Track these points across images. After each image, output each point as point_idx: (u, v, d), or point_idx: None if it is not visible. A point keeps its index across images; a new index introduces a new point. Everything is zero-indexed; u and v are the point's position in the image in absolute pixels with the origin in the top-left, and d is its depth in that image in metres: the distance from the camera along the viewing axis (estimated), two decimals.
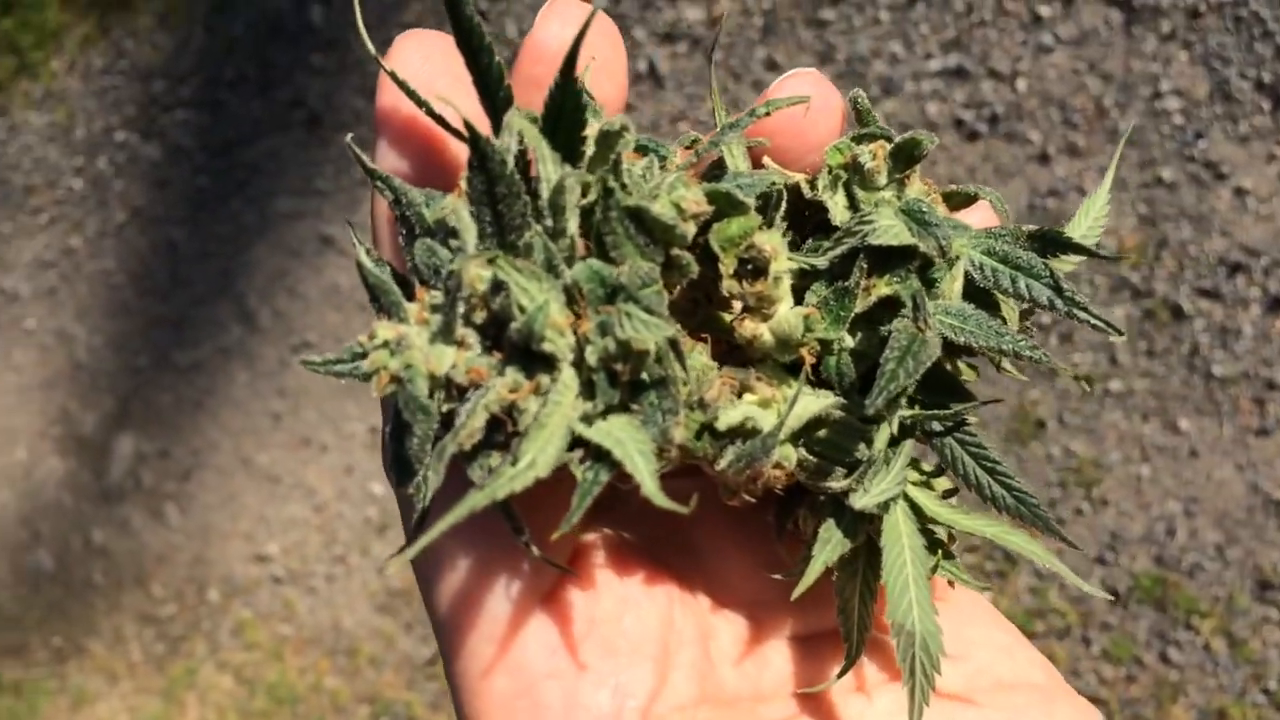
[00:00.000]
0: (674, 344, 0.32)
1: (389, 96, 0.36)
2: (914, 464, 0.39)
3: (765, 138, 0.38)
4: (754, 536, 0.40)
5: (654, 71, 2.15)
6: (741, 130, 0.36)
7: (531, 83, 0.36)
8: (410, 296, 0.34)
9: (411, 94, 0.33)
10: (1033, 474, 1.81)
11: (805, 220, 0.39)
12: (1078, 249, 0.37)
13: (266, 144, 2.56)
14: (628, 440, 0.31)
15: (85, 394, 2.81)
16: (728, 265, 0.34)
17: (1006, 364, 0.39)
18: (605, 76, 0.36)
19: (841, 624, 0.37)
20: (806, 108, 0.37)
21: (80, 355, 2.82)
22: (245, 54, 2.64)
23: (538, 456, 0.30)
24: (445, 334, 0.32)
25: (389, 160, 0.36)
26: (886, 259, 0.36)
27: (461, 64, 0.34)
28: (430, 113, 0.33)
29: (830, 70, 2.01)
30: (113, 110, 2.81)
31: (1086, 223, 0.41)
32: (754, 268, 0.35)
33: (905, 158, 0.37)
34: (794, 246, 0.38)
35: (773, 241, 0.34)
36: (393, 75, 0.34)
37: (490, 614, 0.34)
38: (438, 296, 0.33)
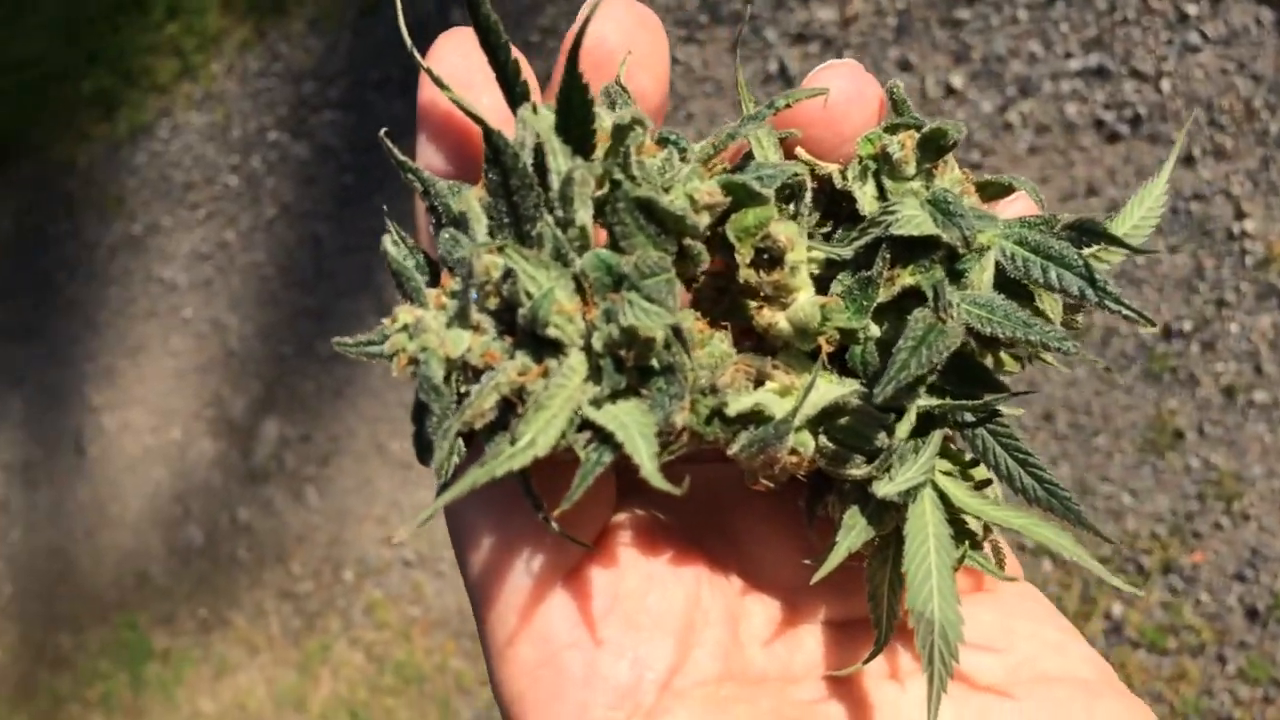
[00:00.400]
0: (678, 332, 0.32)
1: (428, 93, 0.36)
2: (951, 454, 0.39)
3: (798, 129, 0.38)
4: (791, 522, 0.40)
5: (784, 72, 2.15)
6: (761, 121, 0.36)
7: None
8: (438, 283, 0.35)
9: (446, 90, 0.35)
10: (1170, 486, 1.76)
11: (840, 211, 0.39)
12: (1111, 239, 0.36)
13: (408, 143, 2.63)
14: (631, 423, 0.32)
15: (236, 379, 2.94)
16: (744, 255, 0.35)
17: (1047, 354, 0.38)
18: (643, 70, 0.37)
19: (871, 610, 0.38)
20: (825, 100, 0.37)
21: (232, 343, 2.96)
22: (390, 56, 2.73)
23: (538, 436, 0.31)
24: (461, 319, 0.34)
25: (427, 154, 0.38)
26: (910, 249, 0.36)
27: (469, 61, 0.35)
28: (464, 109, 0.34)
29: (965, 70, 1.98)
30: (266, 111, 2.94)
31: (1139, 213, 0.40)
32: (770, 257, 0.35)
33: (933, 148, 0.37)
34: (826, 237, 0.39)
35: (789, 231, 0.35)
36: (429, 72, 0.35)
37: (514, 585, 0.36)
38: (457, 283, 0.34)
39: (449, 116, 0.36)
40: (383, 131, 0.38)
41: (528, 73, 0.36)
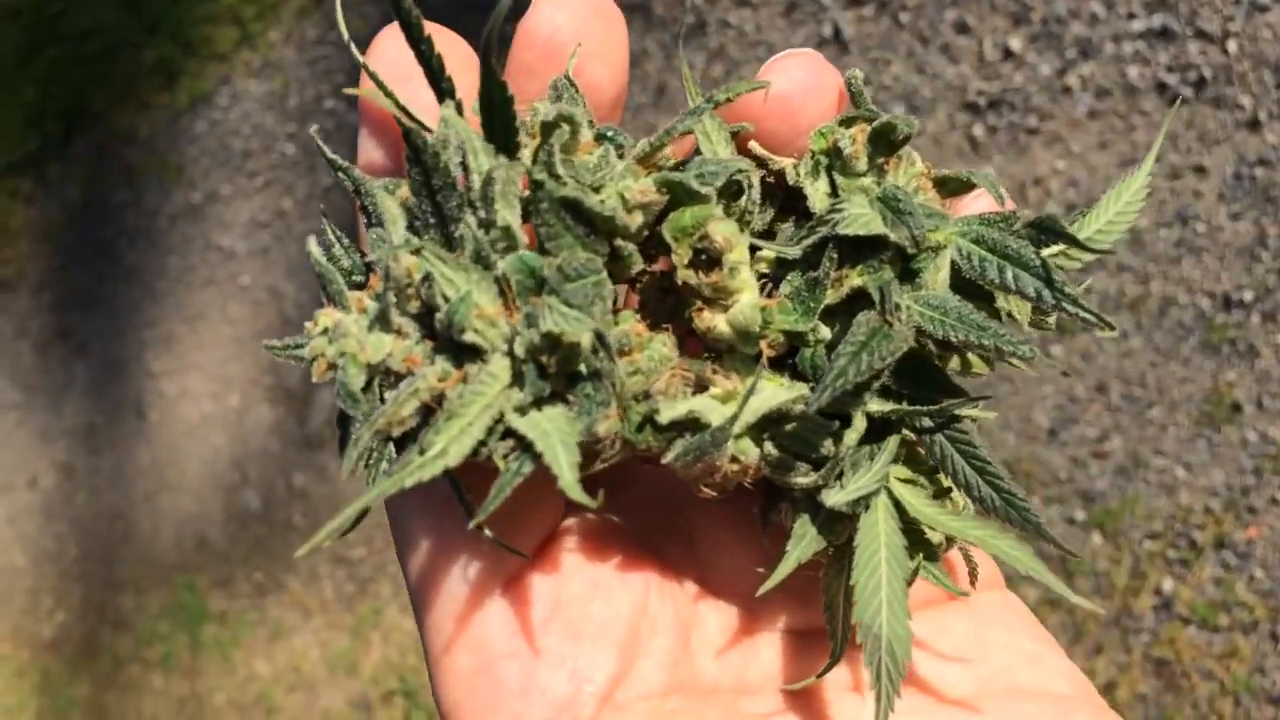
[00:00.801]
0: (601, 338, 0.31)
1: (369, 89, 0.35)
2: (915, 459, 0.37)
3: (752, 122, 0.36)
4: (751, 526, 0.39)
5: (839, 35, 2.11)
6: (702, 115, 0.35)
7: (524, 70, 0.35)
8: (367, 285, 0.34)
9: (381, 86, 0.34)
10: (1225, 460, 1.71)
11: (798, 206, 0.37)
12: (1070, 240, 0.34)
13: None
14: (553, 432, 0.31)
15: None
16: (681, 255, 0.34)
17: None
18: (598, 61, 0.35)
19: (827, 621, 0.36)
20: (771, 92, 0.35)
21: (289, 311, 2.99)
22: (445, 23, 2.73)
23: (449, 446, 0.30)
24: (383, 322, 0.33)
25: (368, 149, 0.36)
26: (859, 249, 0.34)
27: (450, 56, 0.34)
28: (389, 104, 0.33)
29: (1024, 32, 1.93)
30: (323, 79, 2.97)
31: (1115, 208, 0.38)
32: (708, 258, 0.34)
33: (885, 143, 0.36)
34: (775, 234, 0.37)
35: (727, 231, 0.34)
36: (365, 67, 0.34)
37: (451, 592, 0.35)
38: (380, 286, 0.33)
39: (386, 111, 0.35)
40: (314, 129, 0.37)
41: (467, 66, 0.34)
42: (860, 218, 0.34)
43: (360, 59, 0.35)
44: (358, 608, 2.72)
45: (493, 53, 0.32)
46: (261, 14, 3.12)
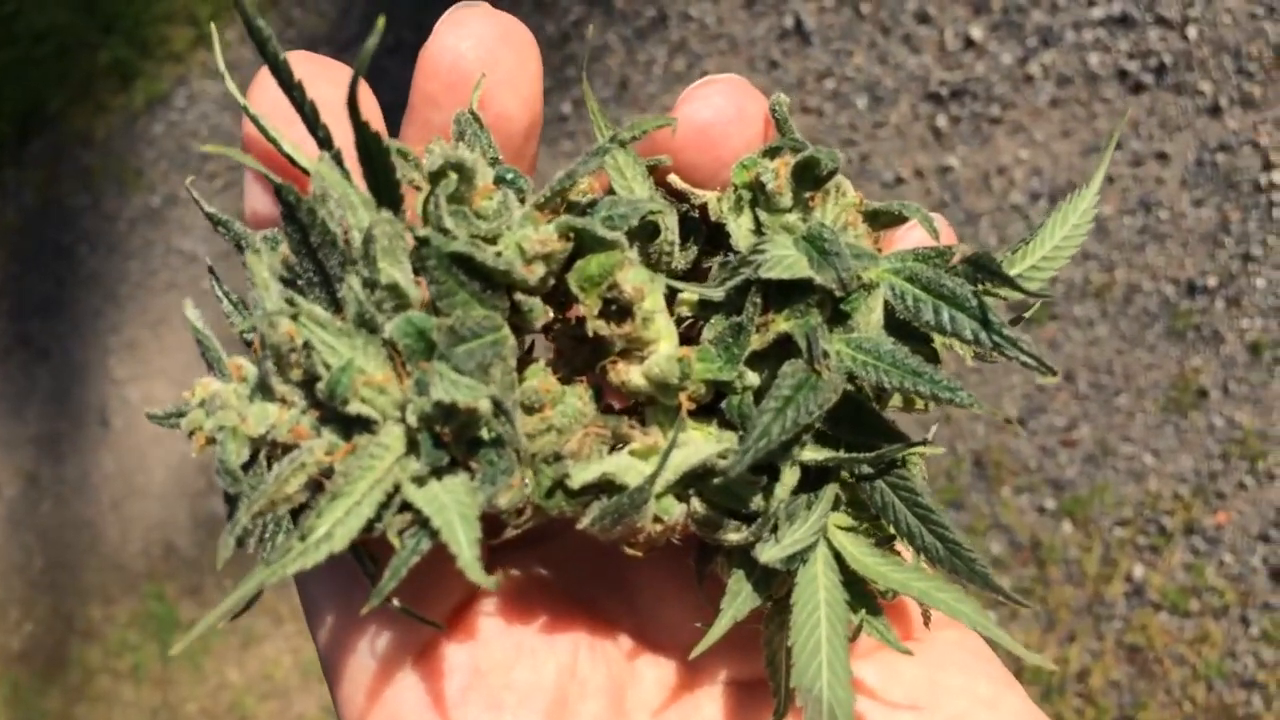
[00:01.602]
0: (498, 404, 0.29)
1: (250, 129, 0.33)
2: (859, 505, 0.35)
3: (669, 154, 0.34)
4: (691, 577, 0.37)
5: (800, 27, 2.11)
6: (602, 159, 0.33)
7: (428, 101, 0.33)
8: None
9: (263, 130, 0.31)
10: (1193, 446, 1.72)
11: (725, 241, 0.35)
12: (1006, 281, 0.32)
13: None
14: (451, 505, 0.29)
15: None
16: (590, 306, 0.32)
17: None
18: (507, 91, 0.33)
19: (770, 677, 0.34)
20: (674, 131, 0.33)
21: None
22: (403, 20, 2.70)
23: (335, 529, 0.28)
24: (264, 391, 0.30)
25: (254, 197, 0.34)
26: (785, 292, 0.32)
27: (331, 92, 0.31)
28: (273, 150, 0.31)
29: (985, 21, 1.93)
30: None
31: (1060, 233, 0.36)
32: (619, 308, 0.32)
33: (810, 178, 0.33)
34: (700, 272, 0.35)
35: (637, 280, 0.32)
36: (246, 110, 0.32)
37: (361, 665, 0.33)
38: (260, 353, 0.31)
39: (271, 155, 0.32)
40: (189, 181, 0.35)
41: (371, 111, 0.32)
42: (784, 260, 0.32)
43: (241, 100, 0.32)
44: None
45: (357, 98, 0.29)
46: (217, 13, 3.08)
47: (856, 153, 2.03)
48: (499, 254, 0.30)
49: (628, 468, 0.32)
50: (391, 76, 2.74)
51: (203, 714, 2.89)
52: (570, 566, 0.38)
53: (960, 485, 1.86)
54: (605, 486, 0.32)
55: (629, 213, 0.32)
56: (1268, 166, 1.70)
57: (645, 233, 0.33)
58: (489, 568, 0.35)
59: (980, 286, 0.33)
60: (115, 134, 3.33)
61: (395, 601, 0.31)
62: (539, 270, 0.31)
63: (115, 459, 3.23)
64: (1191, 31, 1.76)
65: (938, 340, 0.34)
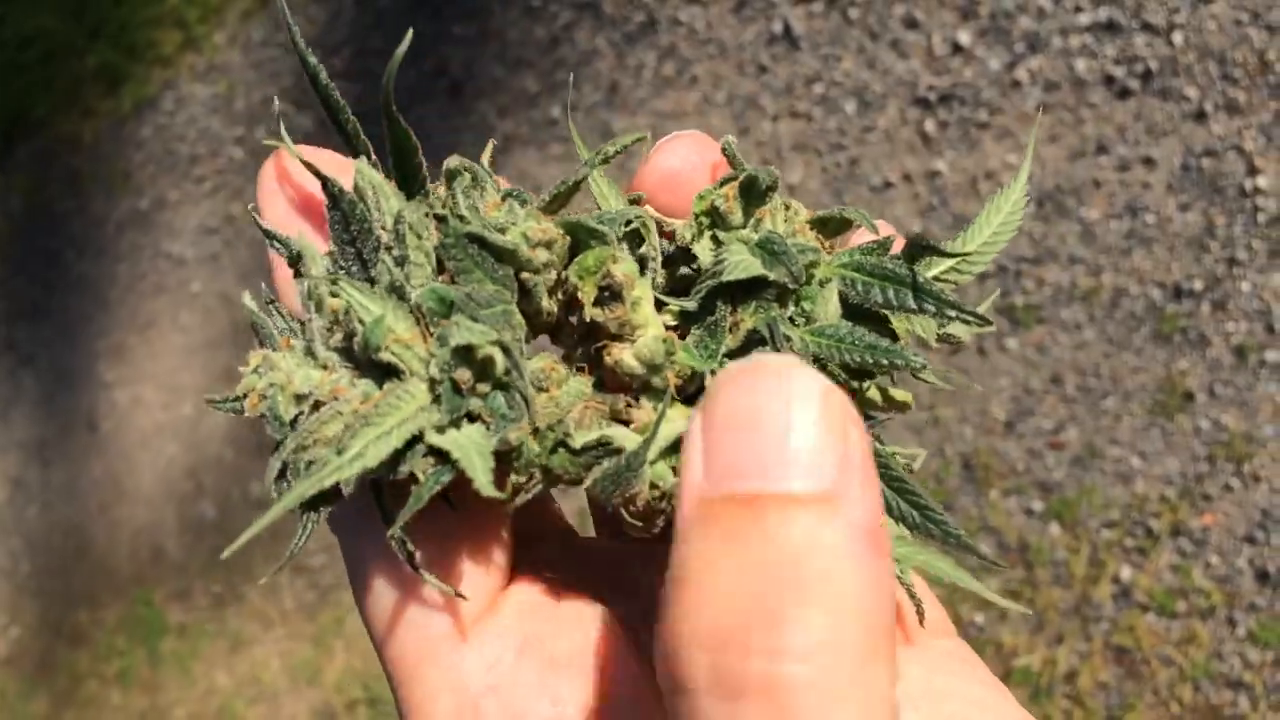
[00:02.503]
0: (505, 348, 0.33)
1: (293, 177, 0.38)
2: None
3: (646, 194, 0.40)
4: None
5: (789, 32, 2.12)
6: (592, 168, 0.38)
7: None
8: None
9: (288, 147, 0.37)
10: (1179, 448, 1.73)
11: (692, 265, 0.40)
12: (938, 251, 0.37)
13: (412, 112, 2.63)
14: (469, 445, 0.32)
15: (245, 353, 2.93)
16: (587, 294, 0.36)
17: (926, 375, 0.39)
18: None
19: None
20: (647, 143, 0.40)
21: (240, 316, 2.96)
22: (392, 24, 2.71)
23: (367, 448, 0.31)
24: (309, 357, 0.35)
25: (271, 209, 0.39)
26: (748, 292, 0.37)
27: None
28: (303, 160, 0.36)
29: (973, 26, 1.94)
30: (270, 81, 2.93)
31: (996, 221, 0.41)
32: (611, 293, 0.36)
33: (754, 194, 0.38)
34: (678, 293, 0.40)
35: (627, 269, 0.36)
36: (281, 138, 0.37)
37: (416, 635, 0.35)
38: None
39: (303, 185, 0.38)
40: (250, 206, 0.39)
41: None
42: (741, 263, 0.36)
43: (286, 142, 0.37)
44: (319, 616, 2.70)
45: (392, 102, 0.34)
46: (205, 16, 3.07)
47: (845, 157, 2.04)
48: (505, 237, 0.35)
49: (624, 436, 0.35)
50: (379, 80, 2.74)
51: (191, 718, 2.88)
52: (585, 575, 0.40)
53: (949, 488, 1.87)
54: (602, 449, 0.35)
55: (616, 218, 0.37)
56: (1252, 171, 1.71)
57: (632, 239, 0.38)
58: (514, 577, 0.38)
59: (922, 263, 0.38)
60: (103, 138, 3.32)
61: (429, 578, 0.34)
62: (542, 255, 0.35)
63: (103, 463, 3.22)
64: (1177, 38, 1.78)
65: (897, 324, 0.38)
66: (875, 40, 2.03)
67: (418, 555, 0.34)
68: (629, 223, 0.37)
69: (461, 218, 0.35)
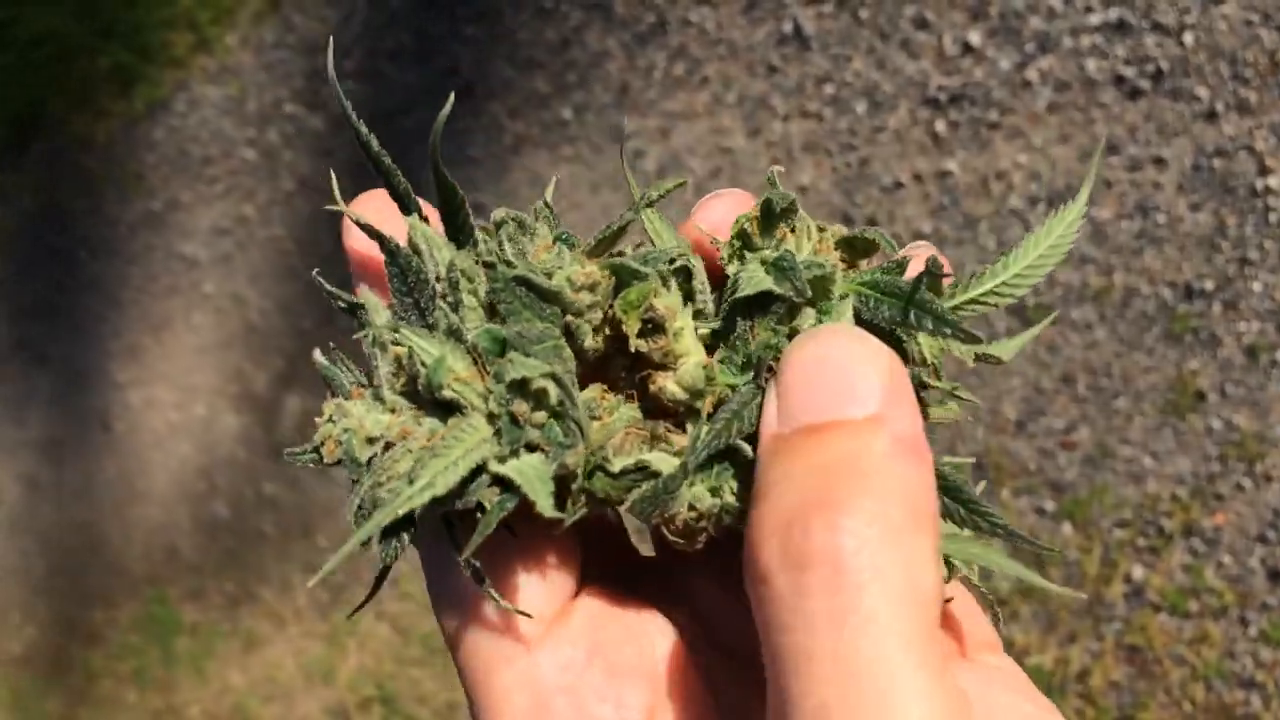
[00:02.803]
0: (557, 380, 0.35)
1: (353, 240, 0.42)
2: None
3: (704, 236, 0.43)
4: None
5: (799, 32, 2.12)
6: (636, 216, 0.41)
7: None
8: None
9: (366, 227, 0.39)
10: (1191, 448, 1.73)
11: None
12: (935, 286, 0.39)
13: (423, 113, 2.64)
14: (530, 471, 0.35)
15: (257, 354, 2.95)
16: (631, 327, 0.38)
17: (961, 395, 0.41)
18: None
19: None
20: (685, 186, 0.45)
21: (253, 317, 2.97)
22: (403, 25, 2.71)
23: (436, 478, 0.34)
24: (379, 402, 0.38)
25: (353, 238, 0.43)
26: (761, 307, 0.39)
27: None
28: (359, 223, 0.39)
29: (983, 27, 1.95)
30: (282, 83, 2.94)
31: (1046, 243, 0.42)
32: (654, 326, 0.38)
33: (772, 216, 0.40)
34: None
35: (668, 302, 0.38)
36: (347, 213, 0.40)
37: (500, 639, 0.39)
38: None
39: (370, 257, 0.41)
40: (315, 272, 0.43)
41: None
42: (752, 279, 0.38)
43: (348, 213, 0.41)
44: (332, 615, 2.71)
45: (439, 160, 0.37)
46: (217, 18, 3.08)
47: (856, 157, 2.05)
48: (551, 280, 0.37)
49: (662, 460, 0.38)
50: (391, 81, 2.75)
51: (205, 717, 2.90)
52: (648, 584, 0.43)
53: None
54: (642, 470, 0.37)
55: (659, 255, 0.39)
56: (1264, 171, 1.71)
57: (680, 275, 0.40)
58: (580, 582, 0.41)
59: (960, 284, 0.40)
60: (116, 139, 3.33)
61: (494, 595, 0.37)
62: (586, 298, 0.37)
63: (116, 463, 3.23)
64: (1188, 38, 1.78)
65: (928, 344, 0.40)
66: (886, 40, 2.03)
67: (488, 581, 0.37)
68: (673, 260, 0.39)
69: (509, 263, 0.37)
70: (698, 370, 0.38)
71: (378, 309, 0.39)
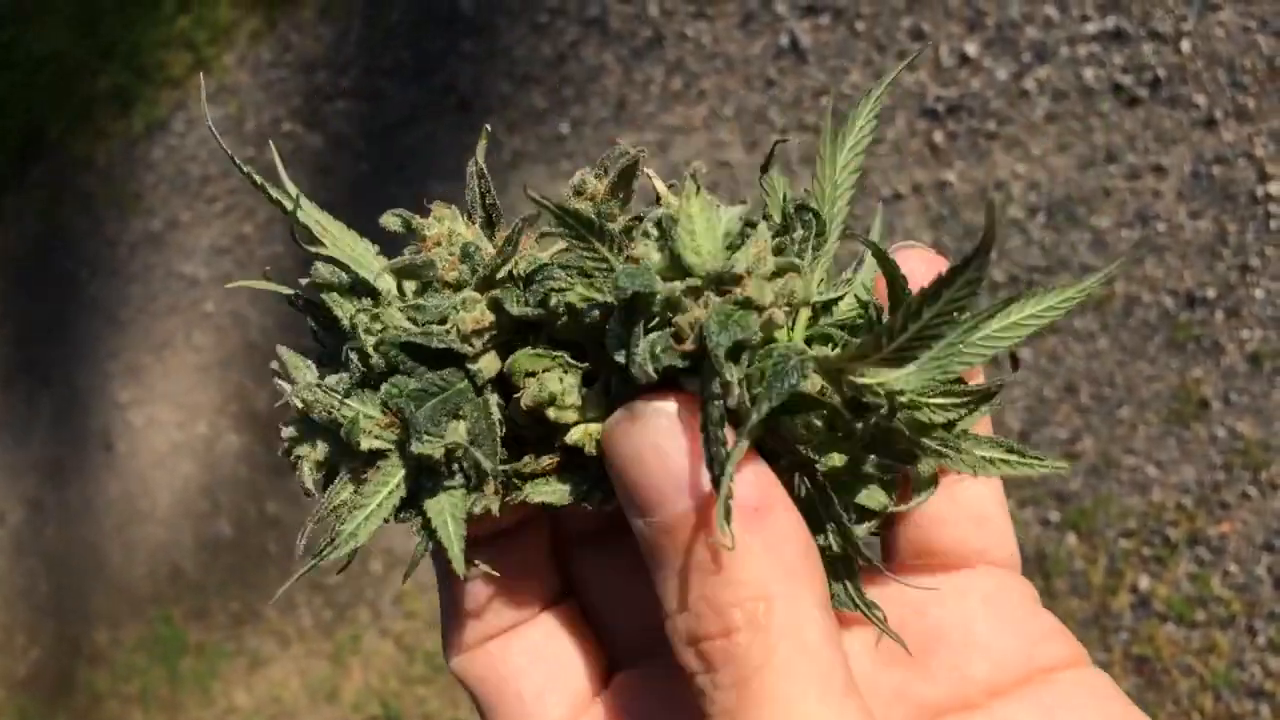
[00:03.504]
0: (464, 447, 0.37)
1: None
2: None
3: None
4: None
5: (796, 45, 2.12)
6: (518, 239, 0.41)
7: None
8: None
9: (264, 285, 0.42)
10: (1196, 456, 1.72)
11: None
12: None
13: (422, 129, 2.64)
14: (447, 510, 0.37)
15: (258, 372, 2.95)
16: (524, 392, 0.39)
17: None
18: None
19: None
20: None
21: (253, 336, 2.97)
22: (401, 42, 2.72)
23: (358, 529, 0.37)
24: (320, 434, 0.40)
25: None
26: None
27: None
28: (280, 292, 0.42)
29: (980, 37, 1.94)
30: (280, 102, 2.94)
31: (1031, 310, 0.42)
32: (539, 410, 0.39)
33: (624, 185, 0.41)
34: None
35: (549, 383, 0.38)
36: (246, 282, 0.44)
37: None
38: None
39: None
40: (265, 270, 0.45)
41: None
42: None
43: (249, 283, 0.43)
44: (336, 634, 2.70)
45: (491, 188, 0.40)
46: (215, 38, 3.09)
47: None
48: (447, 331, 0.38)
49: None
50: (389, 98, 2.75)
51: None
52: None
53: None
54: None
55: (539, 288, 0.38)
56: (1264, 178, 1.71)
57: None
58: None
59: None
60: (115, 159, 3.34)
61: (485, 568, 0.40)
62: (478, 343, 0.38)
63: (119, 483, 3.23)
64: (1185, 45, 1.78)
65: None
66: (882, 52, 2.03)
67: (472, 569, 0.39)
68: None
69: (399, 328, 0.39)
70: (581, 435, 0.38)
71: (299, 366, 0.40)
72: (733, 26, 2.20)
